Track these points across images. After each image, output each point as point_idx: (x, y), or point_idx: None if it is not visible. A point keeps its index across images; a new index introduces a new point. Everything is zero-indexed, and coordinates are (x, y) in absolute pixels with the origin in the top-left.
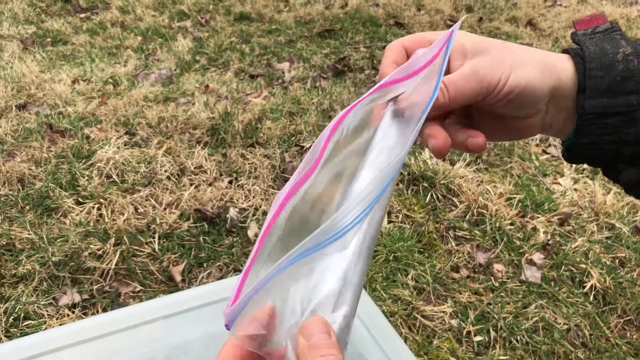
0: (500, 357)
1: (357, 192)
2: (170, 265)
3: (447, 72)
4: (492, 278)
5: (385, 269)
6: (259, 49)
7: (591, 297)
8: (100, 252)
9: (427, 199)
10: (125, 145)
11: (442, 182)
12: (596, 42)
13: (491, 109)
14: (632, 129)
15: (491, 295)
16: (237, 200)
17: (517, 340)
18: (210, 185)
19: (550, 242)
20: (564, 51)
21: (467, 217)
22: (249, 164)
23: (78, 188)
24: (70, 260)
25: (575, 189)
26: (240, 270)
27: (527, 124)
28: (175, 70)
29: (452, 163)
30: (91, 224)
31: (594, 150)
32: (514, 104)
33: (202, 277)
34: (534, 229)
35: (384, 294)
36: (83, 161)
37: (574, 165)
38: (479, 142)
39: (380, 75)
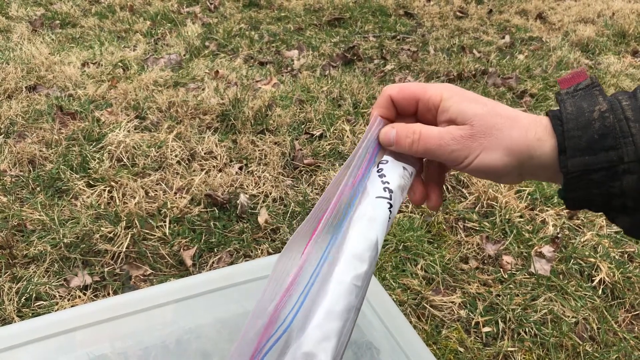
0: (509, 349)
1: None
2: (181, 250)
3: (433, 122)
4: (501, 270)
5: (395, 258)
6: (268, 36)
7: (600, 291)
8: (111, 235)
9: None
10: (135, 129)
11: (451, 173)
12: (575, 101)
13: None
14: (617, 182)
15: (500, 286)
16: (247, 186)
17: (525, 332)
18: (220, 171)
19: (559, 236)
20: (546, 113)
21: (477, 208)
22: (259, 150)
23: (89, 171)
24: (82, 242)
25: None
26: (250, 257)
27: (501, 181)
28: (184, 55)
29: None
30: (102, 206)
31: (586, 202)
32: (476, 175)
33: (213, 262)
34: (543, 221)
35: (393, 283)
36: (94, 144)
37: None
38: (431, 206)
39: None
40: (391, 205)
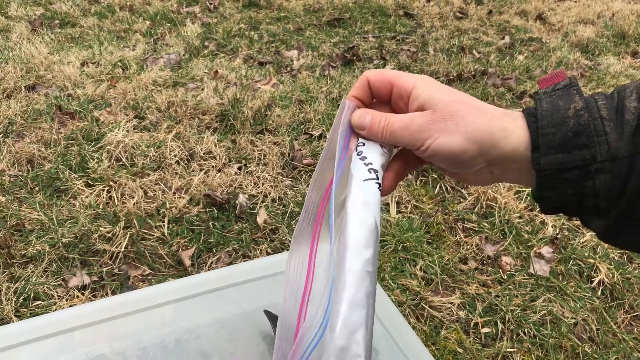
0: (508, 350)
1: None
2: (180, 250)
3: (405, 111)
4: (500, 270)
5: (394, 258)
6: (268, 36)
7: (599, 292)
8: (109, 235)
9: (436, 190)
10: (134, 129)
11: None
12: (552, 100)
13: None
14: (589, 182)
15: (499, 287)
16: (246, 186)
17: (524, 333)
18: (219, 171)
19: (558, 236)
20: (522, 111)
21: (476, 209)
22: (258, 150)
23: (88, 170)
24: (80, 242)
25: None
26: (249, 257)
27: (473, 178)
28: (184, 55)
29: None
30: (101, 206)
31: (559, 202)
32: (440, 163)
33: (212, 262)
34: (543, 222)
35: (392, 284)
36: (92, 144)
37: None
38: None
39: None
40: (380, 185)
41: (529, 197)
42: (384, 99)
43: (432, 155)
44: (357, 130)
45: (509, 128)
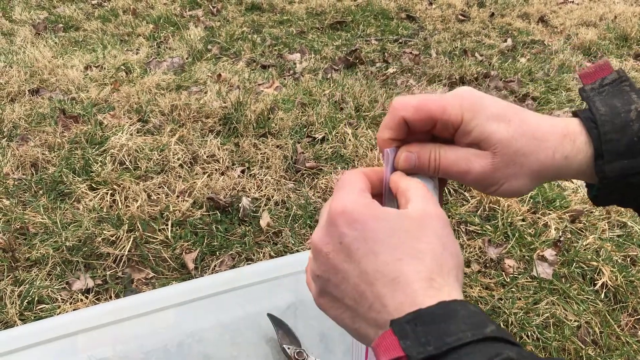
0: None
1: None
2: (183, 253)
3: (450, 139)
4: (503, 273)
5: None
6: (271, 40)
7: (602, 295)
8: (113, 238)
9: None
10: (138, 132)
11: None
12: (605, 99)
13: None
14: None
15: (502, 290)
16: (249, 189)
17: (527, 336)
18: (222, 174)
19: (561, 239)
20: (574, 114)
21: (479, 212)
22: (261, 154)
23: (91, 174)
24: (84, 245)
25: None
26: (252, 260)
27: None
28: (187, 58)
29: None
30: (104, 209)
31: (620, 202)
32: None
33: (215, 266)
34: (546, 225)
35: None
36: (96, 147)
37: None
38: None
39: (378, 141)
40: None
41: (531, 200)
42: (423, 131)
43: (498, 195)
44: (407, 171)
45: (571, 155)
